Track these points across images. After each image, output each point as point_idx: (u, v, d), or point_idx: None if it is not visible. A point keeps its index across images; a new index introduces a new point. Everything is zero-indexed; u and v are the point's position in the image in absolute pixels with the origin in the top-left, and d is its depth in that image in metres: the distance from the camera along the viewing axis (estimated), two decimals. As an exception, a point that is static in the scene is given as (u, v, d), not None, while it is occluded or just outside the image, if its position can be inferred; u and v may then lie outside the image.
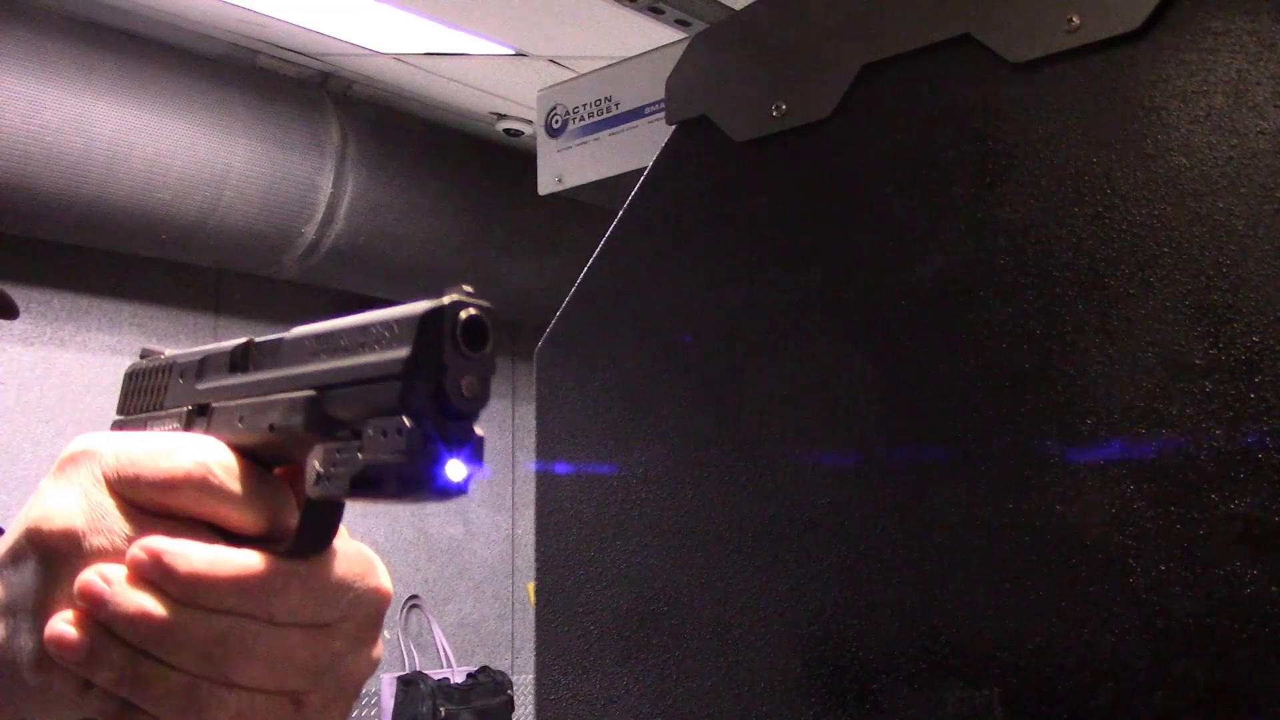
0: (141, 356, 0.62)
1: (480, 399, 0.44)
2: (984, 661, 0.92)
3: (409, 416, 0.44)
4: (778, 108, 1.12)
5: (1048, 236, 0.94)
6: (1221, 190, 0.86)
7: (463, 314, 0.44)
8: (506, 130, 4.21)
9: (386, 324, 0.45)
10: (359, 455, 0.45)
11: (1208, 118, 0.87)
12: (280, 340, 0.51)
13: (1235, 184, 0.85)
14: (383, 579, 0.53)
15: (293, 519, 0.51)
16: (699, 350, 1.16)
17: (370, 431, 0.45)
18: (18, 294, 3.89)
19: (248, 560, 0.48)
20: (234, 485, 0.50)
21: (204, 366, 0.56)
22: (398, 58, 3.74)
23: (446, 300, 0.44)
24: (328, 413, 0.47)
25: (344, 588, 0.51)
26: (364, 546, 0.53)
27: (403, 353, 0.44)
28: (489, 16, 3.35)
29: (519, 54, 3.59)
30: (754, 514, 1.09)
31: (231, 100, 3.58)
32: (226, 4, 3.35)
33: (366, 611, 0.51)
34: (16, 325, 3.77)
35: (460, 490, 0.45)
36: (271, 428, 0.50)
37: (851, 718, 1.00)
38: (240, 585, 0.48)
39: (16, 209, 3.28)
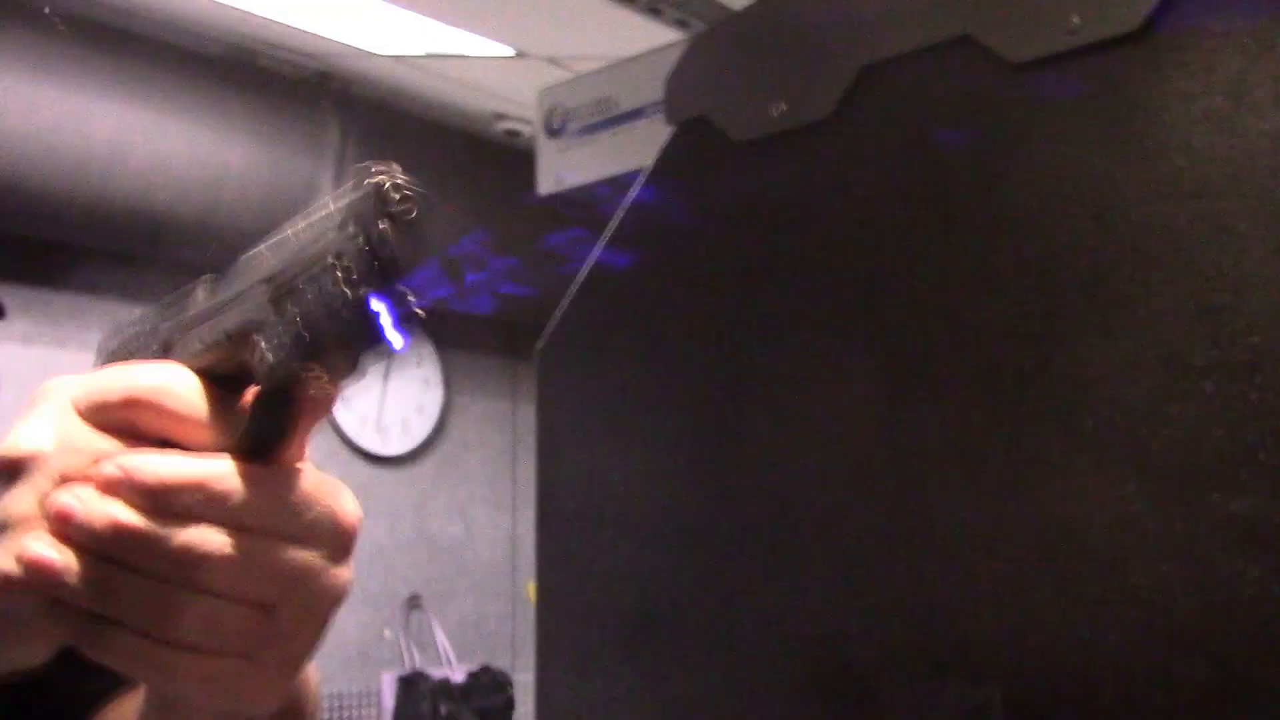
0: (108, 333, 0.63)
1: (408, 255, 0.46)
2: (984, 661, 0.92)
3: (338, 265, 0.45)
4: (778, 108, 1.12)
5: (1048, 236, 0.94)
6: (1221, 190, 0.86)
7: (389, 183, 0.46)
8: (506, 130, 4.21)
9: (326, 210, 0.47)
10: (296, 319, 0.46)
11: (1208, 118, 0.87)
12: (235, 260, 0.53)
13: (1235, 184, 0.85)
14: (349, 504, 0.53)
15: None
16: (699, 350, 1.16)
17: (303, 287, 0.46)
18: (18, 294, 3.90)
19: (214, 466, 0.50)
20: (196, 401, 0.51)
21: (166, 309, 0.57)
22: (398, 58, 3.74)
23: (377, 178, 0.46)
24: (277, 303, 0.48)
25: (310, 501, 0.52)
26: (335, 479, 0.54)
27: (337, 224, 0.46)
28: (489, 17, 3.35)
29: (519, 54, 3.59)
30: (754, 514, 1.09)
31: (231, 100, 3.58)
32: (226, 4, 3.35)
33: (333, 528, 0.52)
34: (16, 325, 3.77)
35: (396, 341, 0.46)
36: (228, 335, 0.51)
37: (851, 718, 1.00)
38: (206, 490, 0.49)
39: (16, 209, 3.28)
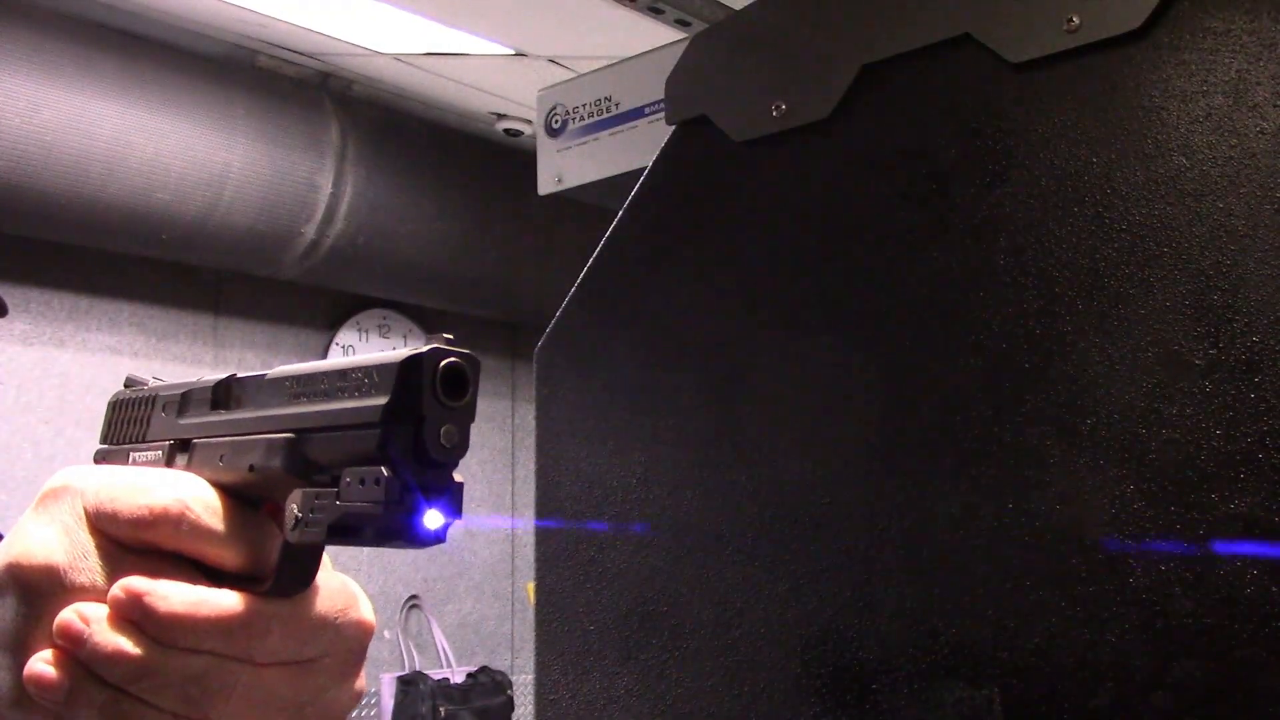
0: (126, 385, 0.62)
1: (459, 448, 0.45)
2: (984, 661, 0.92)
3: (387, 466, 0.44)
4: (777, 108, 1.12)
5: (1048, 236, 0.93)
6: (1221, 190, 0.86)
7: (442, 363, 0.44)
8: (506, 130, 4.21)
9: (367, 370, 0.45)
10: (337, 502, 0.45)
11: (1207, 118, 0.87)
12: (262, 378, 0.52)
13: (1235, 184, 0.85)
14: (365, 612, 0.53)
15: (275, 556, 0.51)
16: (699, 350, 1.16)
17: (348, 479, 0.45)
18: (17, 294, 3.89)
19: (228, 601, 0.48)
20: (214, 522, 0.50)
21: (186, 401, 0.56)
22: (398, 58, 3.74)
23: (426, 348, 0.45)
24: (306, 456, 0.47)
25: (325, 625, 0.51)
26: (347, 580, 0.53)
27: (381, 400, 0.44)
28: (489, 16, 3.35)
29: (519, 54, 3.59)
30: (754, 514, 1.09)
31: (231, 100, 3.58)
32: (226, 4, 3.35)
33: (349, 646, 0.52)
34: (16, 325, 3.77)
35: (438, 539, 0.45)
36: (251, 468, 0.50)
37: (851, 718, 1.00)
38: (220, 626, 0.48)
39: (16, 209, 3.28)
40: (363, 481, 0.44)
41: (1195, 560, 0.84)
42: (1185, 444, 0.85)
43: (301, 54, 3.80)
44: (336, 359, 0.48)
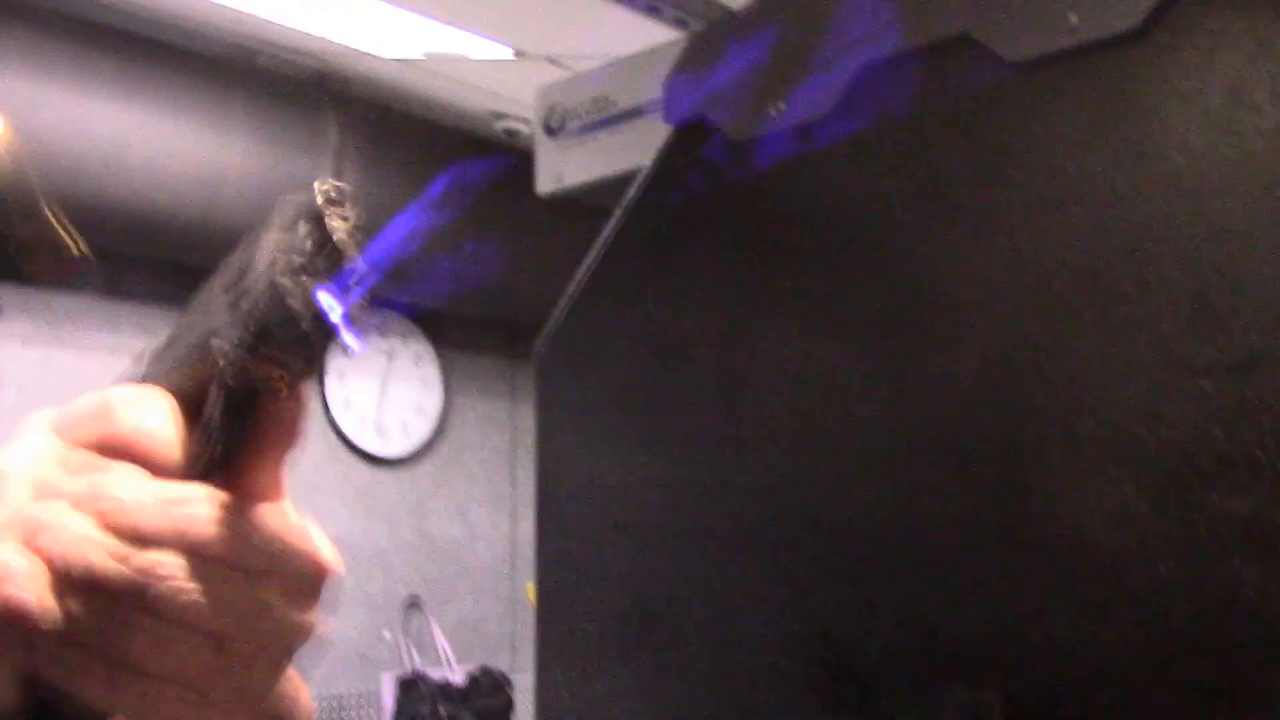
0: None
1: (351, 245, 0.47)
2: (984, 661, 0.92)
3: (282, 252, 0.47)
4: (777, 108, 1.12)
5: (1047, 236, 0.94)
6: (1220, 190, 0.86)
7: (330, 185, 0.48)
8: (505, 130, 4.21)
9: (279, 219, 0.49)
10: (246, 313, 0.47)
11: (1206, 117, 0.87)
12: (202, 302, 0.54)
13: (1234, 184, 0.85)
14: (321, 548, 0.53)
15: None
16: (698, 350, 1.16)
17: (256, 287, 0.48)
18: (18, 294, 3.89)
19: (178, 491, 0.50)
20: (165, 422, 0.51)
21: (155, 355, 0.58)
22: (397, 58, 3.74)
23: (319, 184, 0.48)
24: (235, 305, 0.49)
25: (276, 538, 0.51)
26: (313, 526, 0.54)
27: (284, 222, 0.48)
28: (489, 17, 3.35)
29: (518, 54, 3.59)
30: (754, 514, 1.09)
31: (230, 100, 3.58)
32: (226, 4, 3.35)
33: (298, 569, 0.52)
34: (16, 325, 3.77)
35: (347, 335, 0.47)
36: (194, 347, 0.52)
37: (851, 718, 1.00)
38: (169, 515, 0.49)
39: (15, 209, 3.28)
40: (267, 280, 0.47)
41: (1195, 560, 0.84)
42: (1185, 444, 0.85)
43: (301, 54, 3.80)
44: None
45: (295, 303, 0.46)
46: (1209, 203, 0.86)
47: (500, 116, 4.17)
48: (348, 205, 0.48)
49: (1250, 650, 0.81)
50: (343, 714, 4.35)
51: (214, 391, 0.50)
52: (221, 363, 0.49)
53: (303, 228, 0.47)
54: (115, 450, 0.51)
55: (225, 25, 3.58)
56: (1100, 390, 0.89)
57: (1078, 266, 0.91)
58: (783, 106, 1.12)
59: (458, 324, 4.74)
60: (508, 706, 4.47)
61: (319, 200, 0.48)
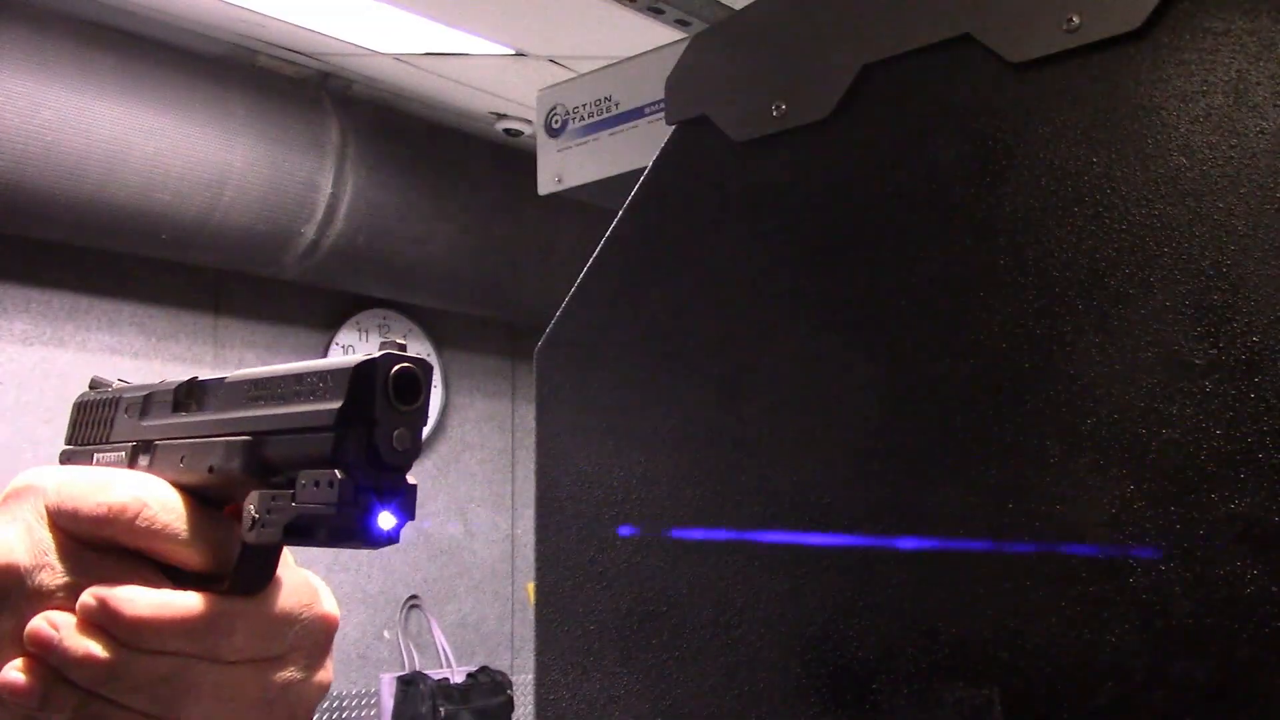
0: (91, 387, 0.63)
1: (411, 451, 0.46)
2: (984, 661, 0.92)
3: (340, 469, 0.45)
4: (778, 108, 1.12)
5: (1048, 236, 0.94)
6: (1221, 190, 0.86)
7: (395, 368, 0.45)
8: (506, 130, 4.21)
9: (322, 375, 0.47)
10: (292, 504, 0.46)
11: (1207, 118, 0.87)
12: (222, 381, 0.53)
13: (1235, 184, 0.85)
14: (328, 605, 0.53)
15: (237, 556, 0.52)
16: (699, 350, 1.16)
17: (303, 481, 0.46)
18: (18, 294, 3.89)
19: (191, 602, 0.49)
20: (173, 520, 0.51)
21: (148, 403, 0.57)
22: (398, 58, 3.74)
23: (379, 354, 0.46)
24: (263, 457, 0.48)
25: (289, 620, 0.51)
26: (310, 575, 0.54)
27: (335, 405, 0.45)
28: (489, 16, 3.35)
29: (519, 54, 3.59)
30: (754, 514, 1.09)
31: (231, 100, 3.58)
32: (226, 4, 3.35)
33: (314, 640, 0.52)
34: (16, 325, 3.77)
35: (391, 539, 0.46)
36: (211, 469, 0.51)
37: (851, 718, 1.00)
38: (185, 627, 0.49)
39: (16, 209, 3.28)
40: (317, 484, 0.45)
41: (1195, 560, 0.84)
42: (1185, 444, 0.85)
43: (301, 54, 3.80)
44: (294, 364, 0.49)
45: (345, 523, 0.45)
46: (1210, 203, 0.86)
47: (501, 116, 4.17)
48: (410, 381, 0.46)
49: (1250, 650, 0.81)
50: (342, 714, 4.35)
51: (237, 547, 0.50)
52: (254, 536, 0.48)
53: (356, 418, 0.45)
54: (123, 544, 0.50)
55: (226, 25, 3.58)
56: (1100, 390, 0.89)
57: (1078, 266, 0.91)
58: (783, 106, 1.12)
59: (458, 324, 4.74)
60: (507, 706, 4.47)
61: (379, 382, 0.45)
